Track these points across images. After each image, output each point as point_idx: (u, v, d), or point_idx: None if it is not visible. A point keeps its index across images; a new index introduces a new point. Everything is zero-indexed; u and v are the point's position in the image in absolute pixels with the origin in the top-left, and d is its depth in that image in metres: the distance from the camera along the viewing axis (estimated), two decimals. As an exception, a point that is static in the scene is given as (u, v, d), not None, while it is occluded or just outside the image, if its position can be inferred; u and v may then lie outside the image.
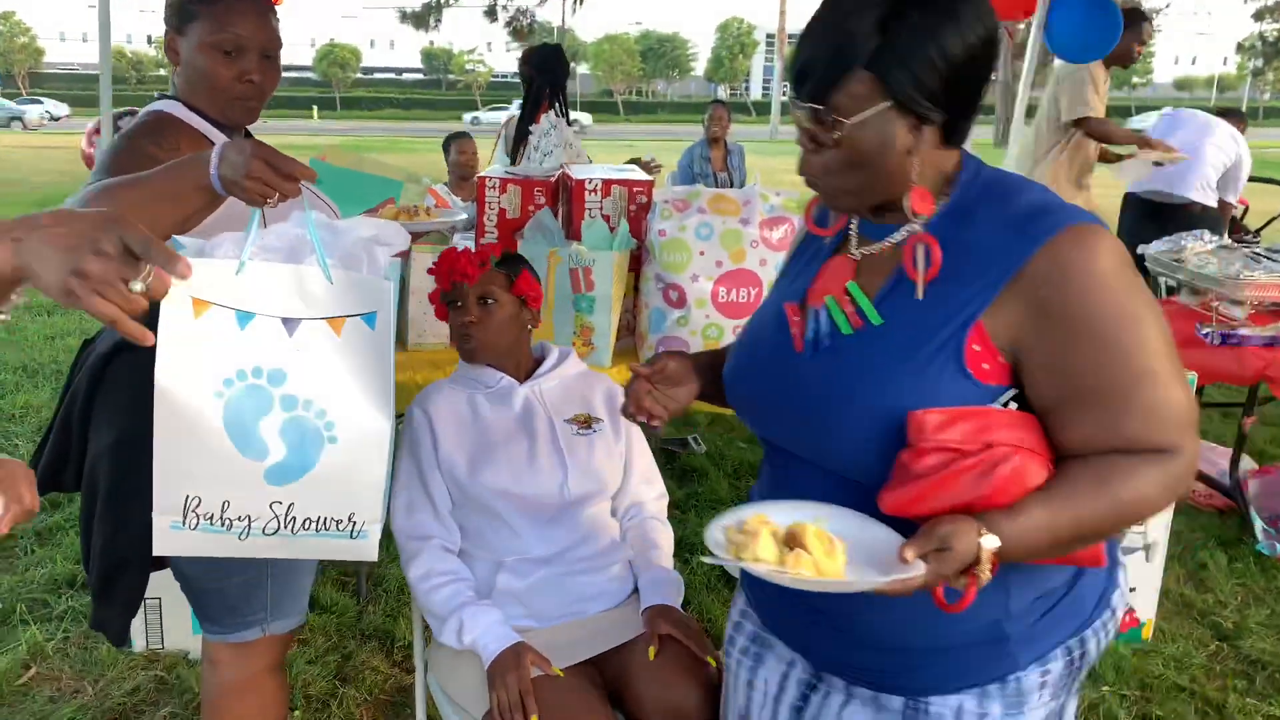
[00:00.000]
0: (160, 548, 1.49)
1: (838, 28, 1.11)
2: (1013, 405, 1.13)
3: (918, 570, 1.03)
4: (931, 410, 1.09)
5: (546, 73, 4.76)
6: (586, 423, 1.99)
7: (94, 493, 1.76)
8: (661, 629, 1.80)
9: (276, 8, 1.92)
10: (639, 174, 2.88)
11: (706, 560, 1.10)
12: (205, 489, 1.45)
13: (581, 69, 77.07)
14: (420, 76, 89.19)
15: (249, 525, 1.48)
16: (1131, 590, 2.86)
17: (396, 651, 2.80)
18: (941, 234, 1.16)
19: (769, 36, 77.79)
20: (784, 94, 65.14)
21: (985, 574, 1.04)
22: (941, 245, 1.15)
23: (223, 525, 1.48)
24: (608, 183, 2.76)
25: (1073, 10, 3.36)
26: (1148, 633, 2.92)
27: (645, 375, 1.42)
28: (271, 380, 1.43)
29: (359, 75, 74.17)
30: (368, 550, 1.54)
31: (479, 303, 1.94)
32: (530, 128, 4.71)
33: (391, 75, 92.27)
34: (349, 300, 1.45)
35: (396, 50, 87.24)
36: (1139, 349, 1.08)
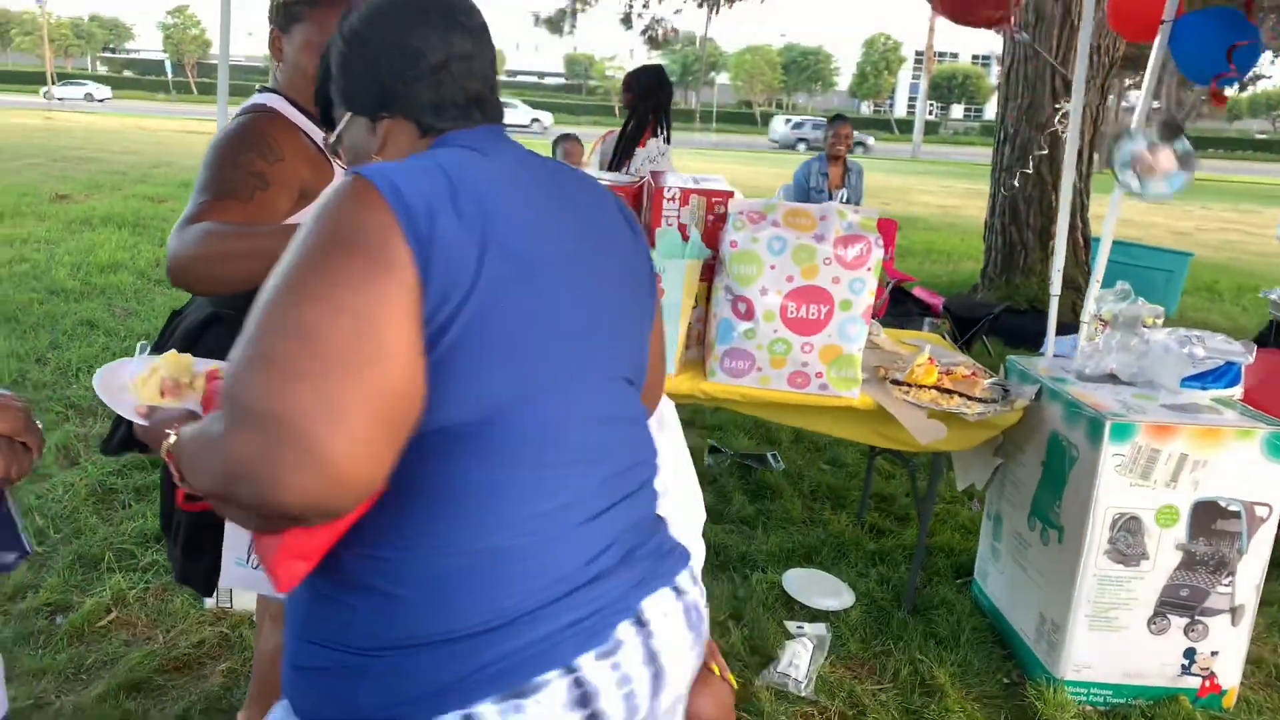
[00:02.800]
0: (224, 580, 1.76)
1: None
2: None
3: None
4: None
5: (649, 97, 4.82)
6: None
7: None
8: None
9: None
10: (722, 183, 2.87)
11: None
12: None
13: (721, 78, 77.06)
14: (562, 81, 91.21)
15: None
16: (1214, 654, 2.68)
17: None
18: None
19: (917, 54, 76.17)
20: (930, 113, 63.52)
21: (173, 469, 1.04)
22: None
23: None
24: (686, 191, 2.76)
25: (1201, 29, 3.14)
26: (1229, 701, 2.73)
27: None
28: None
29: (503, 78, 76.27)
30: None
31: None
32: (635, 149, 4.75)
33: (534, 79, 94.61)
34: None
35: (540, 54, 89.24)
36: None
